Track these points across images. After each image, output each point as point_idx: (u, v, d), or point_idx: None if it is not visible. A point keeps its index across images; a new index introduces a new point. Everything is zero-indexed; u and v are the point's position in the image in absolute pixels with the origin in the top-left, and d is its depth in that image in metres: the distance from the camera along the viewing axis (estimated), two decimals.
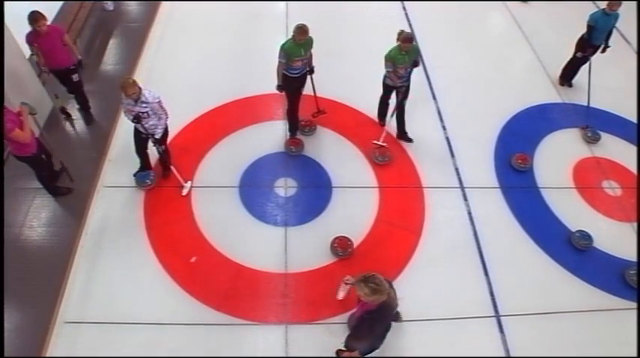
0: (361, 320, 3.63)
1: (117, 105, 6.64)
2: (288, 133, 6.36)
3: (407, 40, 5.48)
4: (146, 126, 5.12)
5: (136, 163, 5.72)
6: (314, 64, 5.98)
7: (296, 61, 5.66)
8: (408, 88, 5.96)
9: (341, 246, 5.27)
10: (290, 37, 5.58)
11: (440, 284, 5.08)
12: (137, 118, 5.01)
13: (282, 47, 5.59)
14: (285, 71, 5.75)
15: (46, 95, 6.36)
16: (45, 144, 5.42)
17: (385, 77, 5.95)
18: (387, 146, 6.20)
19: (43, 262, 5.02)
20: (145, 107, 4.98)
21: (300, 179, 5.97)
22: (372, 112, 6.72)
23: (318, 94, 6.24)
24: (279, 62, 5.66)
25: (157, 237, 5.32)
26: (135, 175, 5.74)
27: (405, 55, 5.59)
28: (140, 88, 4.89)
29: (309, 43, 5.68)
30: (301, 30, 5.43)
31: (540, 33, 8.41)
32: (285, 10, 8.53)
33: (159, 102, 5.10)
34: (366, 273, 3.38)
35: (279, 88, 5.87)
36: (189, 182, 5.75)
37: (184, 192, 5.69)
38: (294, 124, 6.31)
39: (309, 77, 6.04)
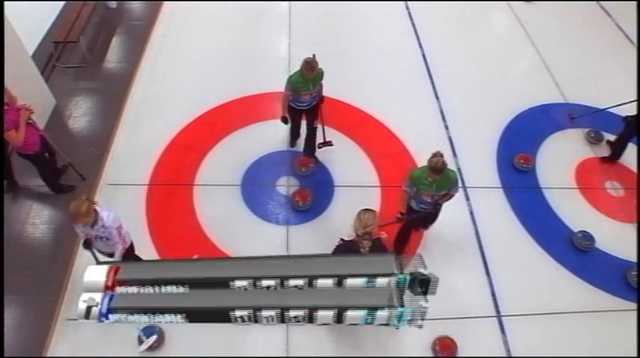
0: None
1: (119, 104, 6.68)
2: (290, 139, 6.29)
3: (434, 170, 4.26)
4: (102, 250, 4.28)
5: (137, 162, 5.68)
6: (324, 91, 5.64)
7: (304, 95, 5.34)
8: (435, 216, 4.95)
9: None
10: (298, 65, 5.23)
11: (441, 284, 5.05)
12: (87, 242, 4.17)
13: (289, 80, 5.25)
14: (291, 103, 5.50)
15: (49, 93, 6.37)
16: (49, 142, 5.43)
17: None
18: (453, 340, 4.72)
19: (45, 259, 5.04)
20: (104, 231, 4.09)
21: (302, 178, 5.97)
22: (374, 110, 6.72)
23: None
24: (285, 94, 5.36)
25: (158, 235, 5.32)
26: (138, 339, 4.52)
27: (433, 183, 4.43)
28: (96, 211, 3.99)
29: (318, 77, 5.31)
30: (309, 65, 5.05)
31: (544, 32, 8.37)
32: (288, 10, 8.53)
33: (118, 228, 4.14)
34: (368, 208, 3.75)
35: (284, 119, 5.62)
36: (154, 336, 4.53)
37: (142, 348, 4.46)
38: (295, 135, 6.22)
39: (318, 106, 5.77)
